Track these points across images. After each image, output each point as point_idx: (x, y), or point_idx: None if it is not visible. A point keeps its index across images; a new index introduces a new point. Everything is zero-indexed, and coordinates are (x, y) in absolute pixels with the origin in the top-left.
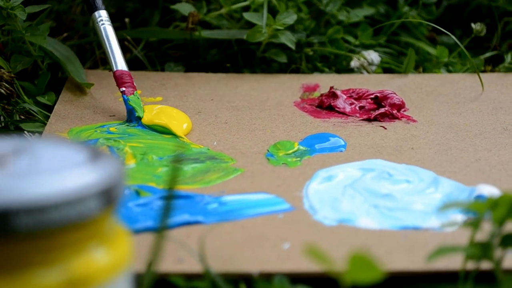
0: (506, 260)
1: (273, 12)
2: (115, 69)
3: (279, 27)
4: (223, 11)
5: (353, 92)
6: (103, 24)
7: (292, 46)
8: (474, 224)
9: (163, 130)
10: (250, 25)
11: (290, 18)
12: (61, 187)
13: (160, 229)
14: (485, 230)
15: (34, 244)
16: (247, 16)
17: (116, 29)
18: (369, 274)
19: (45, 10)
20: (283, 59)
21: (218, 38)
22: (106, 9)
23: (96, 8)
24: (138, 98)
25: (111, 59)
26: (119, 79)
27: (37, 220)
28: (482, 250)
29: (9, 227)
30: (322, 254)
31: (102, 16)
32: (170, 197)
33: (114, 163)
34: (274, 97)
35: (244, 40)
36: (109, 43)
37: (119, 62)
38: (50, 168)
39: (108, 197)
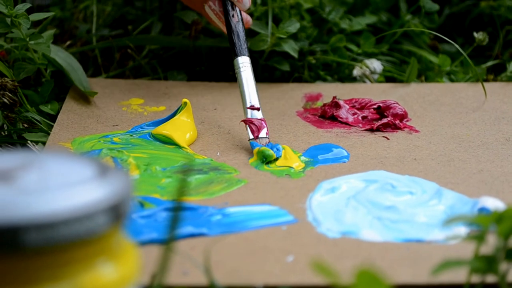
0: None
1: (275, 20)
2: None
3: (282, 36)
4: None
5: (355, 102)
6: (244, 70)
7: (295, 55)
8: (479, 237)
9: (166, 140)
10: (252, 33)
11: (293, 26)
12: (70, 203)
13: (168, 241)
14: (489, 243)
15: (43, 259)
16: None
17: (119, 36)
18: None
19: (48, 18)
20: (286, 67)
21: (220, 46)
22: (109, 15)
23: (237, 55)
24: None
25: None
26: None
27: (47, 236)
28: (487, 263)
29: (18, 243)
30: (328, 268)
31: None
32: (177, 209)
33: (122, 179)
34: (277, 107)
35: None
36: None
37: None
38: (59, 183)
39: (116, 212)
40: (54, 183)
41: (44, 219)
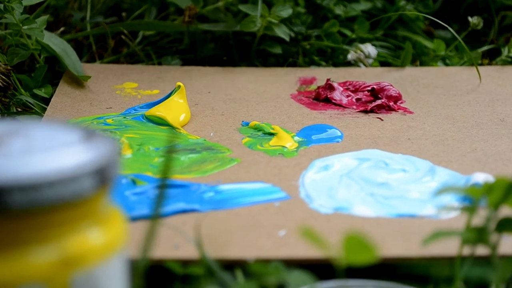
0: (502, 245)
1: (271, 5)
2: None
3: (274, 20)
4: (220, 4)
5: (350, 84)
6: None
7: (286, 38)
8: (470, 209)
9: (160, 122)
10: (244, 15)
11: (285, 11)
12: (55, 165)
13: (154, 215)
14: (481, 216)
15: (28, 222)
16: (243, 7)
17: (113, 23)
18: (364, 256)
19: (42, 4)
20: (277, 50)
21: (214, 30)
22: (104, 3)
23: None
24: None
25: None
26: None
27: (31, 198)
28: (478, 234)
29: (2, 204)
30: (318, 237)
31: None
32: (163, 185)
33: (108, 143)
34: (271, 90)
35: (240, 33)
36: None
37: None
38: (44, 147)
39: (102, 176)
40: (40, 147)
41: (28, 181)
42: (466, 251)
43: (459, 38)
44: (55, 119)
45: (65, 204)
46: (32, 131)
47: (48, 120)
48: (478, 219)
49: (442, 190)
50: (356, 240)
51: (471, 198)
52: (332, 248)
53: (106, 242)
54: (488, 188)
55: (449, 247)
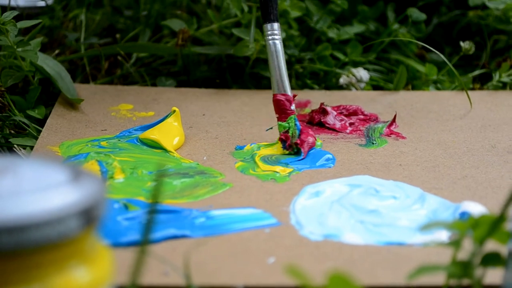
0: (488, 276)
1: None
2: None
3: None
4: (213, 27)
5: (343, 108)
6: (273, 39)
7: None
8: (455, 243)
9: (154, 145)
10: (240, 41)
11: None
12: (42, 207)
13: (142, 243)
14: (468, 248)
15: (14, 262)
16: (236, 31)
17: (107, 44)
18: None
19: (37, 26)
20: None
21: (207, 53)
22: (98, 24)
23: (269, 20)
24: (290, 123)
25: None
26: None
27: (18, 240)
28: (463, 268)
29: None
30: (301, 272)
31: (275, 29)
32: (153, 211)
33: (95, 183)
34: (266, 113)
35: (234, 56)
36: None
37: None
38: (31, 188)
39: (88, 216)
40: (27, 187)
41: (15, 223)
42: (453, 281)
43: (450, 64)
44: (44, 155)
45: (51, 244)
46: (20, 170)
47: (37, 156)
48: (464, 250)
49: (429, 225)
50: (340, 278)
51: (457, 231)
52: (319, 280)
53: (92, 280)
54: (473, 223)
55: (437, 277)
